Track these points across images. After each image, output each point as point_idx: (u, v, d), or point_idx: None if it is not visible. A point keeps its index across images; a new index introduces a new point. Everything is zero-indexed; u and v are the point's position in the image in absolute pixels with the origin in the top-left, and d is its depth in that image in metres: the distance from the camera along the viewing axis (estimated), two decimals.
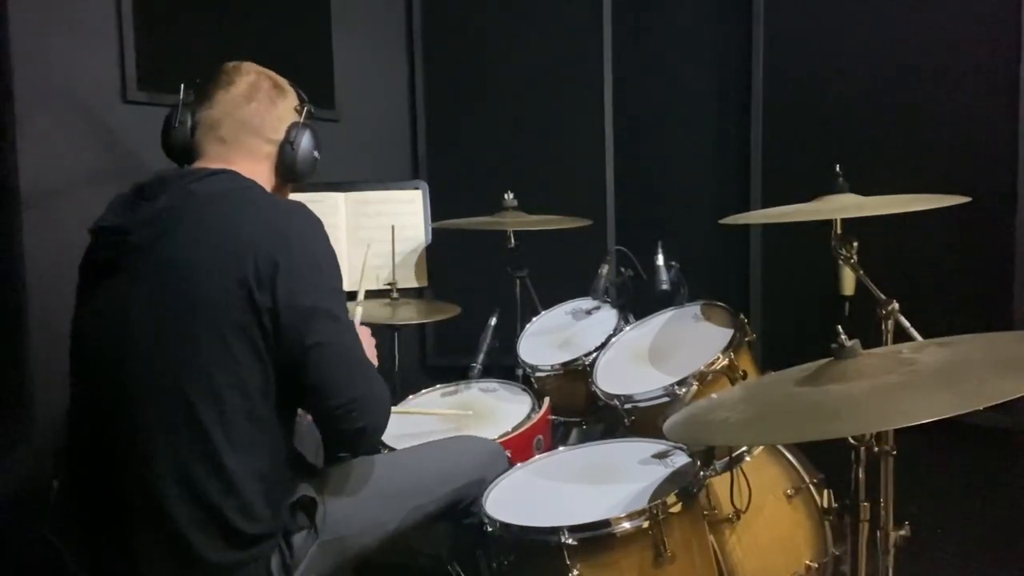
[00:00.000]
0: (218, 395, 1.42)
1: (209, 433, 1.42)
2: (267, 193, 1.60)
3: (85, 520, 1.51)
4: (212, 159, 1.59)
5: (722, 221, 1.92)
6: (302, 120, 1.67)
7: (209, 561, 1.43)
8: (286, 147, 1.64)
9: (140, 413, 1.44)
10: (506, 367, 2.43)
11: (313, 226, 1.53)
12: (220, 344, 1.42)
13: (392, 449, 1.98)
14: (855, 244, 1.73)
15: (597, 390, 2.09)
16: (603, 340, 2.27)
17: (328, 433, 1.56)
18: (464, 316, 2.57)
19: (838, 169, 1.80)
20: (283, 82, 1.69)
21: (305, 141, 1.66)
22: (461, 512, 1.75)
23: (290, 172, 1.66)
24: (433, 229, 2.81)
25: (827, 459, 1.80)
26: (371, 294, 2.71)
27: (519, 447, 1.94)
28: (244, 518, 1.44)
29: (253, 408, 1.44)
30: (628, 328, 2.30)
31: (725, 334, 2.02)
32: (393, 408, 1.69)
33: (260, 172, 1.63)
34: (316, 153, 1.69)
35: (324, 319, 1.46)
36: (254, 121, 1.61)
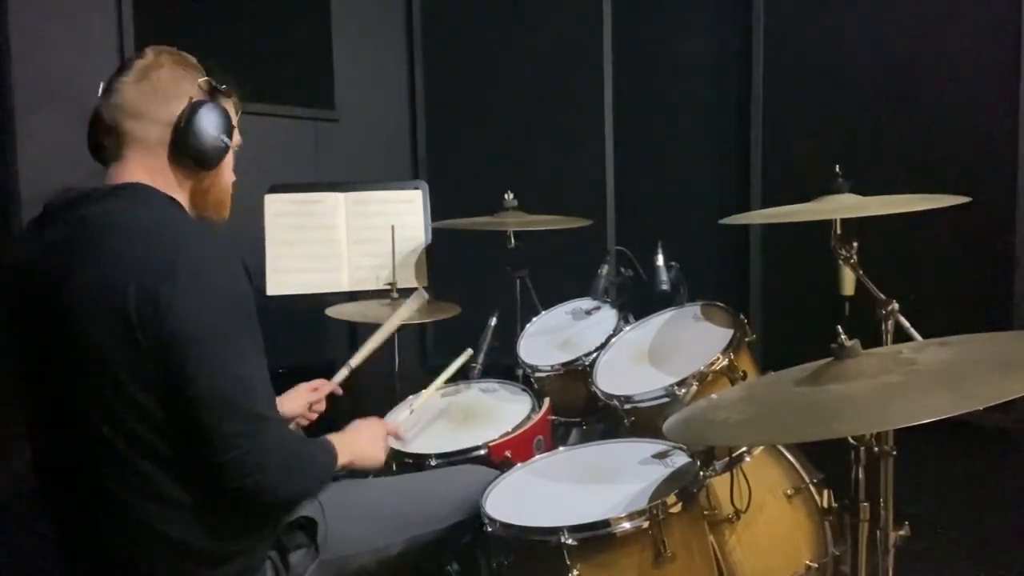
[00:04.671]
0: (141, 440, 1.33)
1: (145, 475, 1.35)
2: (161, 213, 1.41)
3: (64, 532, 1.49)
4: (113, 159, 1.44)
5: (722, 221, 1.92)
6: (201, 97, 1.45)
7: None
8: (177, 127, 1.42)
9: (77, 456, 1.39)
10: (506, 367, 2.43)
11: (204, 250, 1.36)
12: (121, 393, 1.31)
13: (392, 449, 1.97)
14: (855, 244, 1.73)
15: (597, 390, 2.09)
16: (603, 340, 2.26)
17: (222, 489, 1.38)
18: (464, 316, 2.57)
19: (838, 169, 1.80)
20: (188, 59, 1.49)
21: (201, 118, 1.43)
22: (462, 545, 1.74)
23: (186, 157, 1.45)
24: (433, 229, 2.81)
25: (827, 459, 1.80)
26: (371, 294, 2.72)
27: (519, 447, 1.94)
28: (212, 541, 1.40)
29: (178, 450, 1.35)
30: (628, 328, 2.30)
31: (725, 334, 2.01)
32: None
33: (157, 166, 1.44)
34: (215, 131, 1.45)
35: (209, 348, 1.31)
36: (138, 103, 1.41)
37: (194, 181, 1.49)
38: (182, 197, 1.48)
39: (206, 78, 1.48)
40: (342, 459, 1.60)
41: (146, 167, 1.43)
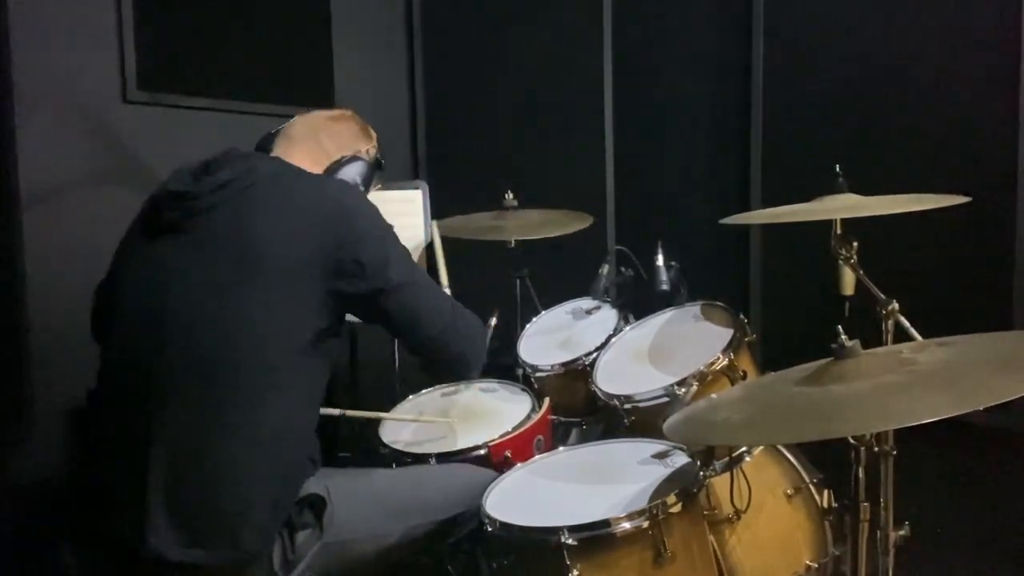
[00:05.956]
0: (263, 357, 1.52)
1: (239, 403, 1.50)
2: (322, 179, 1.77)
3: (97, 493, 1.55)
4: (275, 150, 1.77)
5: (722, 221, 1.92)
6: (365, 158, 1.86)
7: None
8: (337, 164, 1.81)
9: (175, 371, 1.50)
10: (506, 367, 2.43)
11: (364, 198, 1.74)
12: (279, 309, 1.52)
13: (393, 449, 1.98)
14: (855, 244, 1.73)
15: (597, 390, 2.09)
16: (603, 340, 2.26)
17: (427, 362, 1.80)
18: None
19: (838, 169, 1.80)
20: (370, 129, 1.92)
21: (354, 168, 1.83)
22: (455, 541, 1.77)
23: None
24: None
25: (827, 459, 1.81)
26: None
27: (519, 447, 1.94)
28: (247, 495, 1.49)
29: (294, 375, 1.55)
30: (628, 328, 2.30)
31: (725, 334, 2.01)
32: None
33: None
34: (359, 180, 1.84)
35: (399, 264, 1.65)
36: (325, 131, 1.83)
37: None
38: None
39: (376, 149, 1.93)
40: None
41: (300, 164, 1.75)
